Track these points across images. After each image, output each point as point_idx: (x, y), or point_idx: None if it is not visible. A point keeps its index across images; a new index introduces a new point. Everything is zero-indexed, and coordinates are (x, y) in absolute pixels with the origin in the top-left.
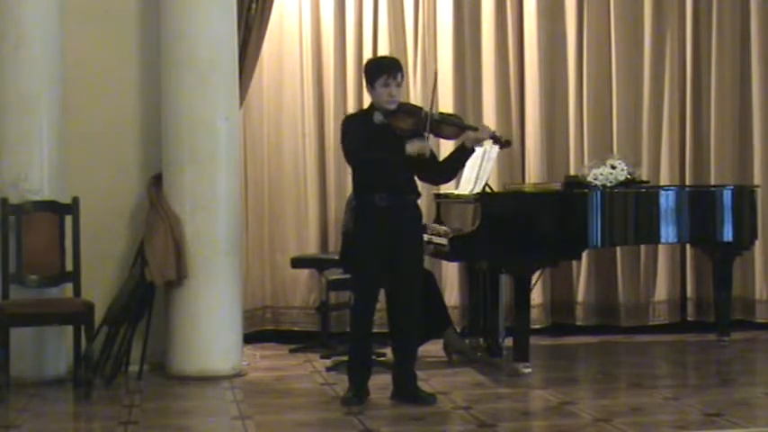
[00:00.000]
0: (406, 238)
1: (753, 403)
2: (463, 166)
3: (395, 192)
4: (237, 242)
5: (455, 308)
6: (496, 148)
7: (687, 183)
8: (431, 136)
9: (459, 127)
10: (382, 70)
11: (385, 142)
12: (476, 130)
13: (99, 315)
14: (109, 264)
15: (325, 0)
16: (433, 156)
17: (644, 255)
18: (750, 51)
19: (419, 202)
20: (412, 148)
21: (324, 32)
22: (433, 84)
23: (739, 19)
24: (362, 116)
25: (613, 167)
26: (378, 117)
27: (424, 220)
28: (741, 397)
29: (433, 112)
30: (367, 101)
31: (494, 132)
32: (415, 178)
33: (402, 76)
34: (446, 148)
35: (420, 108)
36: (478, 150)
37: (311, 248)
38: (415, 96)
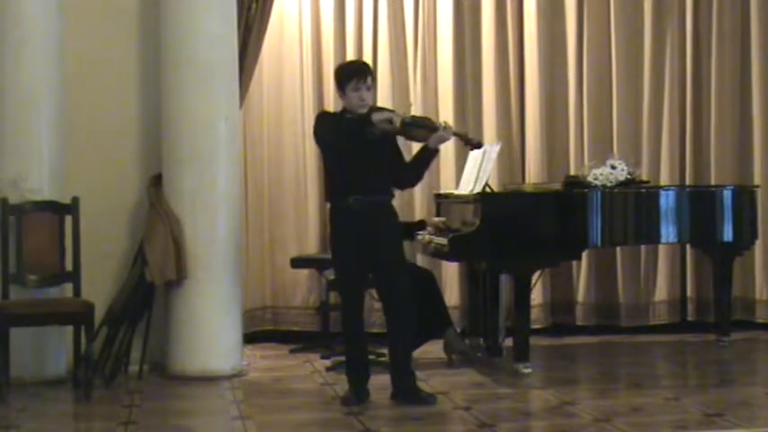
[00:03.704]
0: (383, 238)
1: (753, 403)
2: (428, 166)
3: (368, 194)
4: (237, 242)
5: (455, 308)
6: (497, 147)
7: (687, 183)
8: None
9: (430, 129)
10: (352, 75)
11: (355, 142)
12: (443, 130)
13: (99, 315)
14: (109, 264)
15: (325, 0)
16: (402, 159)
17: (644, 255)
18: (750, 51)
19: (393, 202)
20: (379, 115)
21: (324, 32)
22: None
23: (739, 19)
24: (336, 116)
25: (613, 167)
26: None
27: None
28: (741, 397)
29: (404, 115)
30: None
31: (458, 133)
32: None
33: (372, 79)
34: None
35: (391, 111)
36: (479, 151)
37: (311, 248)
38: (415, 95)
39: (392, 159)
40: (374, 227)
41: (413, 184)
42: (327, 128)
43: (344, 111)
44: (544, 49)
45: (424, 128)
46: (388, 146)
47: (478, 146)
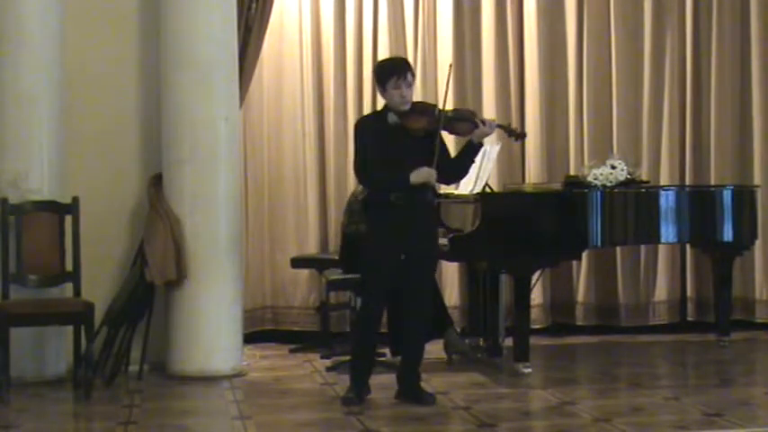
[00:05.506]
0: (421, 237)
1: (753, 403)
2: (472, 161)
3: (411, 190)
4: (237, 242)
5: (455, 308)
6: (497, 147)
7: (687, 183)
8: (444, 133)
9: (473, 123)
10: (392, 72)
11: (399, 143)
12: (484, 124)
13: (99, 315)
14: (109, 264)
15: (325, 0)
16: (447, 153)
17: (644, 255)
18: (750, 51)
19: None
20: (417, 177)
21: (324, 32)
22: (447, 78)
23: (739, 18)
24: (376, 117)
25: (613, 167)
26: (391, 118)
27: None
28: (741, 397)
29: (446, 109)
30: (367, 100)
31: (501, 125)
32: None
33: (413, 75)
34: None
35: (433, 106)
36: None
37: (311, 248)
38: (415, 96)
39: (437, 154)
40: (414, 224)
41: (457, 180)
42: (369, 147)
43: (385, 109)
44: (544, 49)
45: (466, 121)
46: (431, 142)
47: (523, 137)
